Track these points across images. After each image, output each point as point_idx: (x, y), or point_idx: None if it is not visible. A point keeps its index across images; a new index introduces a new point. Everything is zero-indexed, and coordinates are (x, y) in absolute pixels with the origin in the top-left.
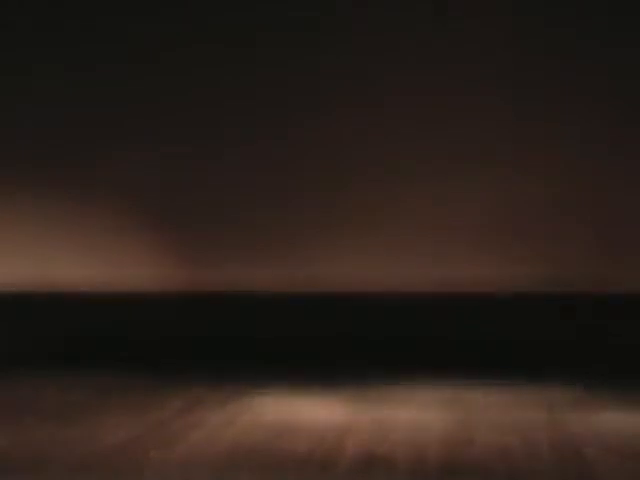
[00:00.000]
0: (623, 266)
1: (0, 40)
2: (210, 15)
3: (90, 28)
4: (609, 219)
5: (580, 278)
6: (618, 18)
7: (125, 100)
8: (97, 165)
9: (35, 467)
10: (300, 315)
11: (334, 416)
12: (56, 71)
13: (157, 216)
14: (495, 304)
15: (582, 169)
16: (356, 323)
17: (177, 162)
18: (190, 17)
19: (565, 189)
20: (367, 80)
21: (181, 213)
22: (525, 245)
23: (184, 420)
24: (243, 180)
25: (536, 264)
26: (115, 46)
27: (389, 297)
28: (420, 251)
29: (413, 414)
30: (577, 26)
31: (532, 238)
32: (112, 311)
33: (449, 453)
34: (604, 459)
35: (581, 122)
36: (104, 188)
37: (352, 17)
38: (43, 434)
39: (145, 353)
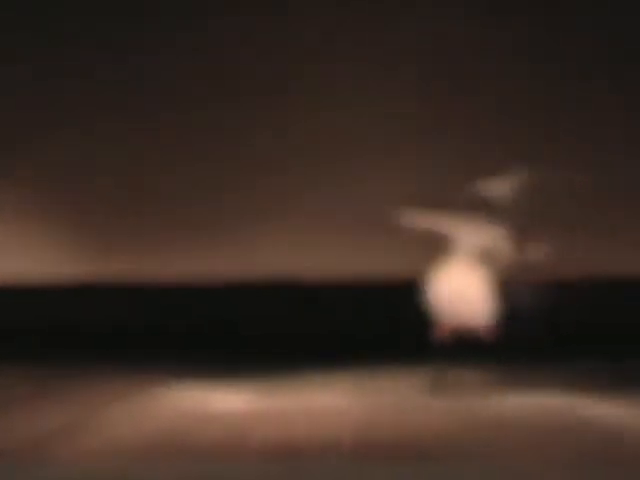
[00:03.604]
0: None
1: None
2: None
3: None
4: None
5: None
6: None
7: (48, 84)
8: (16, 149)
9: None
10: (218, 304)
11: (248, 405)
12: None
13: (78, 206)
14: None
15: None
16: (273, 311)
17: (99, 149)
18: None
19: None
20: (280, 71)
21: (101, 202)
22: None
23: (97, 412)
24: (164, 169)
25: None
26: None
27: (305, 286)
28: (337, 240)
29: (327, 400)
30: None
31: None
32: (28, 303)
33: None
34: None
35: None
36: (21, 173)
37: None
38: None
39: (58, 346)
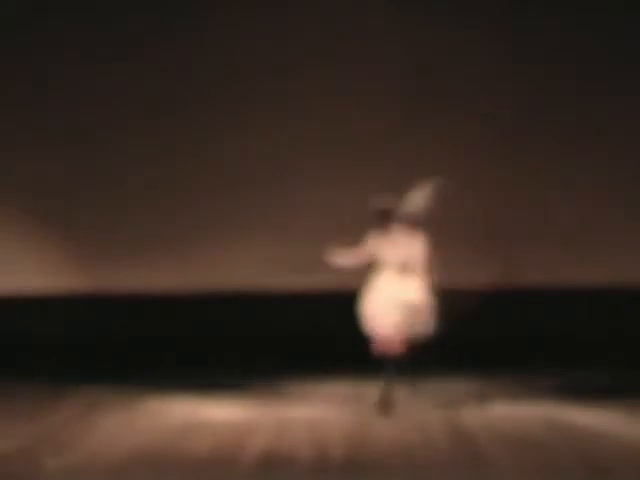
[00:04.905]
0: None
1: None
2: None
3: None
4: None
5: None
6: None
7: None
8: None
9: None
10: (202, 316)
11: (237, 416)
12: None
13: (54, 219)
14: None
15: None
16: (255, 323)
17: (78, 162)
18: None
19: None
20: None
21: (80, 214)
22: None
23: (82, 424)
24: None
25: None
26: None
27: (282, 297)
28: (304, 253)
29: (314, 411)
30: None
31: None
32: (7, 316)
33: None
34: None
35: None
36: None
37: None
38: None
39: (42, 358)
